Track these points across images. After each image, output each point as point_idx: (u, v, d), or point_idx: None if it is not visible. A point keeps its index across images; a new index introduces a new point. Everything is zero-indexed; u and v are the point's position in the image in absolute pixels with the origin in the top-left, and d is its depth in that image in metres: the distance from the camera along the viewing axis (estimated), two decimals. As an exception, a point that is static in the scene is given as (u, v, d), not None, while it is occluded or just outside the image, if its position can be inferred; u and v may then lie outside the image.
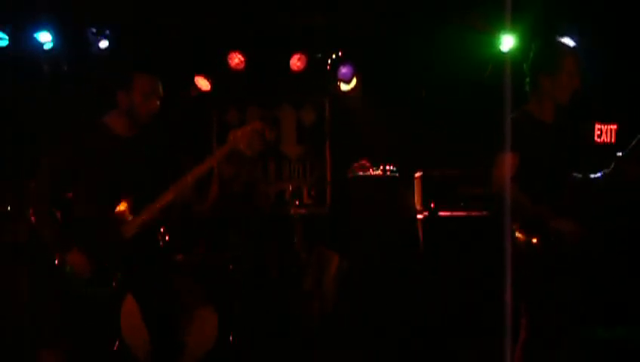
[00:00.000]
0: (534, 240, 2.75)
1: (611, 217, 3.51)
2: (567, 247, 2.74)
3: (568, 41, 3.08)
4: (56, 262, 2.77)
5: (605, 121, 5.70)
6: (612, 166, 2.95)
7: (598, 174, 3.00)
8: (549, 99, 2.95)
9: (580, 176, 3.04)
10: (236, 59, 5.97)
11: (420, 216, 5.44)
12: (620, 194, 3.07)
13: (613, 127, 5.70)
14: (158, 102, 2.89)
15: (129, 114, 2.85)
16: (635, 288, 4.51)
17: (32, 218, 2.92)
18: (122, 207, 2.81)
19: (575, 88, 2.94)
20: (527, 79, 3.01)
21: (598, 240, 3.04)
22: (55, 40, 5.41)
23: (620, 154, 2.95)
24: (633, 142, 2.95)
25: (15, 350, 3.99)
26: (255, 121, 3.18)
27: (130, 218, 2.82)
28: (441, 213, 5.29)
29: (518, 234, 2.77)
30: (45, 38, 5.39)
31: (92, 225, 2.80)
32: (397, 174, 5.64)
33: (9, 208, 4.37)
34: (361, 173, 5.68)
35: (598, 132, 5.72)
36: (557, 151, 2.93)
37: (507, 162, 2.81)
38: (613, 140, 5.69)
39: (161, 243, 4.58)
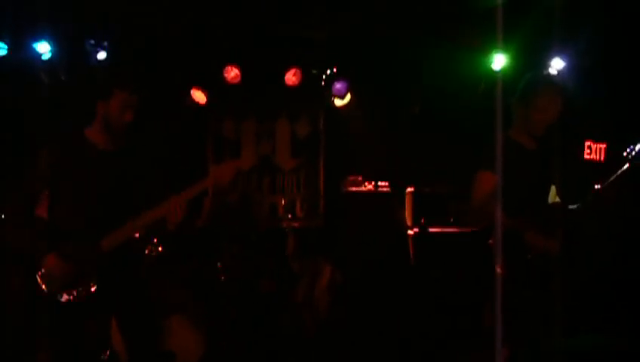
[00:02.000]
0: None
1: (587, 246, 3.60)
2: (543, 261, 2.81)
3: (552, 77, 3.15)
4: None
5: (596, 138, 5.77)
6: (589, 198, 3.05)
7: (575, 205, 3.10)
8: (524, 128, 3.04)
9: (558, 204, 3.12)
10: (232, 73, 6.05)
11: (410, 232, 5.50)
12: (596, 224, 3.16)
13: (603, 145, 5.77)
14: (132, 115, 2.96)
15: (105, 123, 2.92)
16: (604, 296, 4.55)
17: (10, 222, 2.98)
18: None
19: (548, 123, 3.01)
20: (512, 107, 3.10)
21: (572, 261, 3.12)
22: (53, 50, 5.48)
23: (597, 187, 3.05)
24: (611, 178, 3.05)
25: (14, 353, 4.01)
26: (247, 159, 3.25)
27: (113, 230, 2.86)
28: (432, 229, 5.36)
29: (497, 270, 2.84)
30: (44, 48, 5.46)
31: (73, 233, 2.85)
32: (389, 190, 5.70)
33: (2, 216, 4.40)
34: (353, 189, 5.75)
35: (588, 149, 5.79)
36: (535, 178, 3.01)
37: (488, 180, 2.88)
38: (602, 158, 5.76)
39: (153, 253, 4.66)
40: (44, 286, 2.81)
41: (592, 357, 3.66)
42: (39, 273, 2.81)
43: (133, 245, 3.03)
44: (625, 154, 3.13)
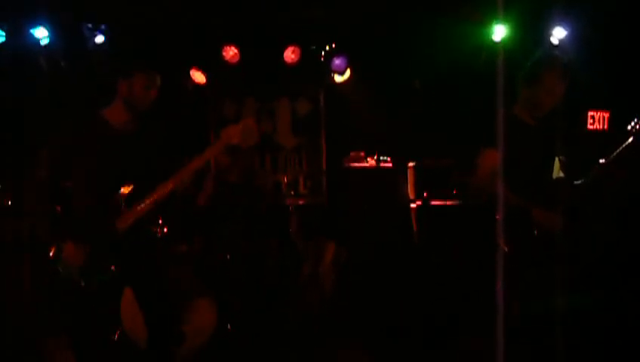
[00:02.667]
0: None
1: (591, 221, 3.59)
2: (549, 238, 2.83)
3: (558, 58, 3.12)
4: (51, 254, 2.84)
5: (598, 108, 5.75)
6: (593, 172, 3.05)
7: (580, 180, 3.10)
8: (528, 107, 3.03)
9: (562, 179, 3.13)
10: (231, 52, 6.02)
11: (413, 205, 5.52)
12: (601, 199, 3.15)
13: (606, 114, 5.75)
14: (156, 93, 2.99)
15: (127, 102, 2.94)
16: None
17: (29, 208, 3.00)
18: (125, 190, 2.88)
19: (554, 104, 3.00)
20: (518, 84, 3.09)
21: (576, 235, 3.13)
22: (51, 36, 5.46)
23: (602, 161, 3.05)
24: (616, 151, 3.04)
25: (21, 342, 4.06)
26: (248, 117, 3.23)
27: (126, 210, 2.88)
28: (434, 203, 5.39)
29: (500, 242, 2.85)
30: (42, 33, 5.43)
31: (88, 217, 2.88)
32: (391, 164, 5.71)
33: (10, 203, 4.44)
34: (355, 164, 5.76)
35: (591, 119, 5.77)
36: (539, 155, 3.01)
37: (492, 158, 2.88)
38: (605, 127, 5.74)
39: (158, 233, 4.69)
40: (64, 275, 2.82)
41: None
42: (58, 261, 2.82)
43: (146, 225, 3.05)
44: (629, 127, 3.11)
